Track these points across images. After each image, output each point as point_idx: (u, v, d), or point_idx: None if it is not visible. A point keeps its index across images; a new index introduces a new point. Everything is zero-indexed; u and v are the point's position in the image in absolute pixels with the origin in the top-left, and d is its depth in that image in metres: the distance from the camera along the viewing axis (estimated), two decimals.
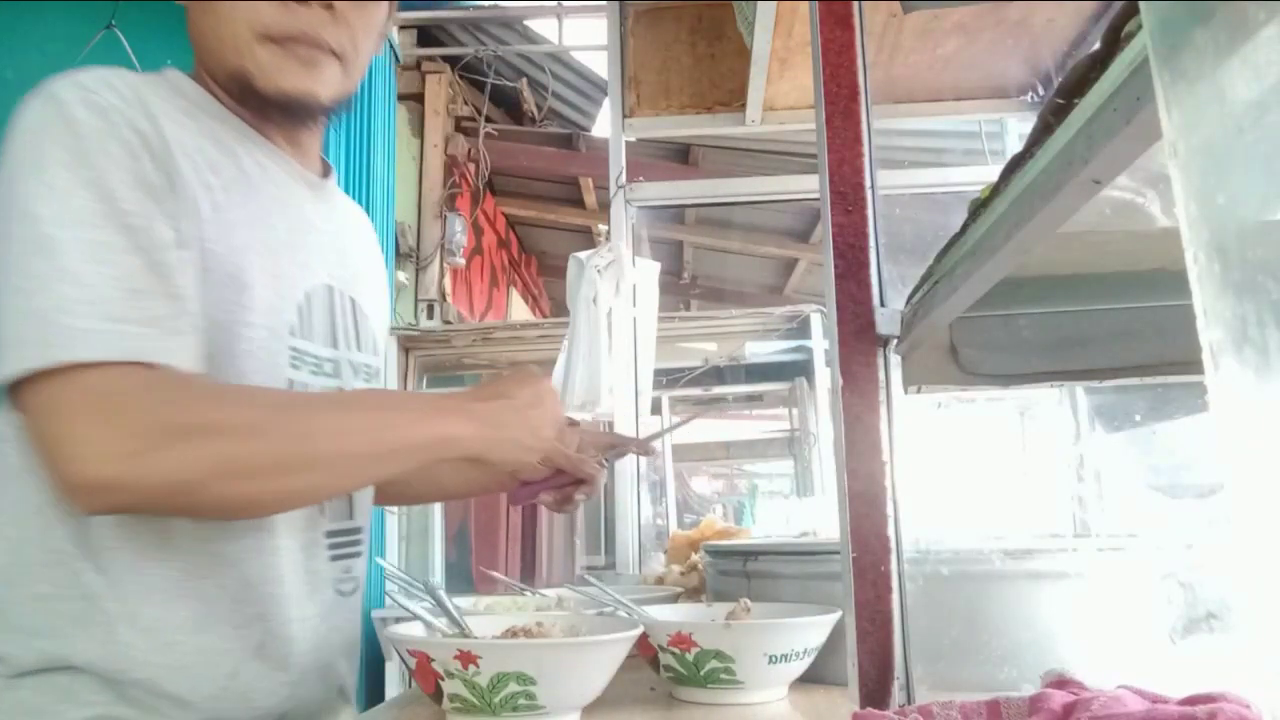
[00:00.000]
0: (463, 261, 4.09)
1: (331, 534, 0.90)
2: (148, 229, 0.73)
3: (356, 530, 0.94)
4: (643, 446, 1.19)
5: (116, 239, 0.71)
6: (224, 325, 0.79)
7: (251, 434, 0.72)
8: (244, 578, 0.80)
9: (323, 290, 0.90)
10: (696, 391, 3.65)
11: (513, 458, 0.87)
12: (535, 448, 0.88)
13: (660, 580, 1.52)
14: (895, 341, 0.71)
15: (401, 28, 4.03)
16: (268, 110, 0.87)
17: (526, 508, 4.26)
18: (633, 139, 2.67)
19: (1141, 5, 0.31)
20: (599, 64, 4.07)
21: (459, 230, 3.98)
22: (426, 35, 4.27)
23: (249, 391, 0.79)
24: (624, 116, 2.63)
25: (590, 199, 4.79)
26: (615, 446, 1.12)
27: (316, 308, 0.89)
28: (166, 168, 0.76)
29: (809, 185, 2.57)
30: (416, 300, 3.96)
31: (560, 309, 3.20)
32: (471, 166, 4.24)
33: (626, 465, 2.60)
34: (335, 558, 0.90)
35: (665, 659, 0.93)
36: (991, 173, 0.58)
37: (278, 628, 0.82)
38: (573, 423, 1.06)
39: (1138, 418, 1.07)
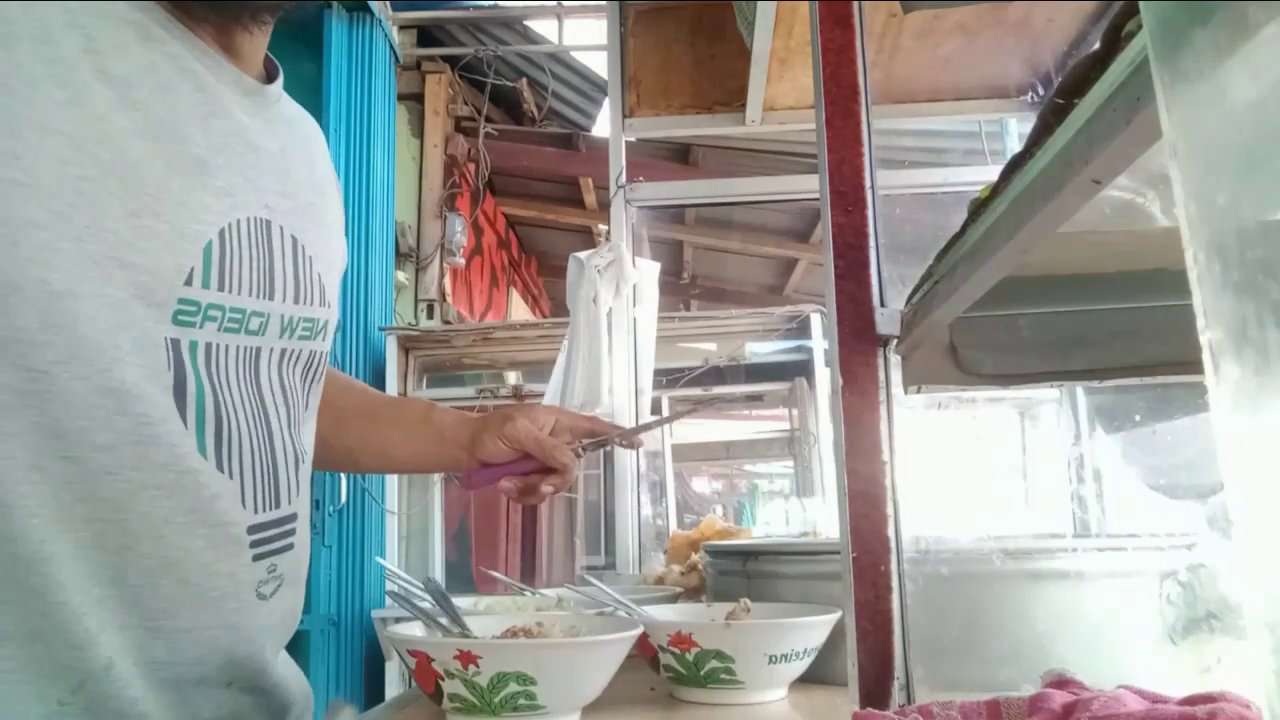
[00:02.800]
0: (462, 261, 4.09)
1: (256, 528, 0.74)
2: None
3: (289, 519, 0.78)
4: (627, 438, 1.03)
5: None
6: (95, 258, 0.60)
7: None
8: (78, 583, 0.63)
9: (253, 225, 0.72)
10: (696, 392, 3.65)
11: None
12: None
13: (660, 580, 1.52)
14: (895, 341, 0.71)
15: (401, 28, 4.03)
16: (188, 4, 0.69)
17: (526, 507, 4.25)
18: (633, 139, 2.67)
19: (1141, 5, 0.31)
20: (599, 64, 4.07)
21: (459, 230, 3.98)
22: (426, 35, 4.27)
23: None
24: (624, 116, 2.63)
25: (590, 199, 4.79)
26: (595, 435, 1.00)
27: (243, 247, 0.71)
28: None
29: (809, 185, 2.57)
30: (416, 300, 3.96)
31: (560, 309, 3.20)
32: (471, 166, 4.24)
33: (626, 465, 2.59)
34: (259, 556, 0.74)
35: (665, 659, 0.93)
36: (992, 173, 0.58)
37: (142, 639, 0.67)
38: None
39: (1137, 418, 1.07)
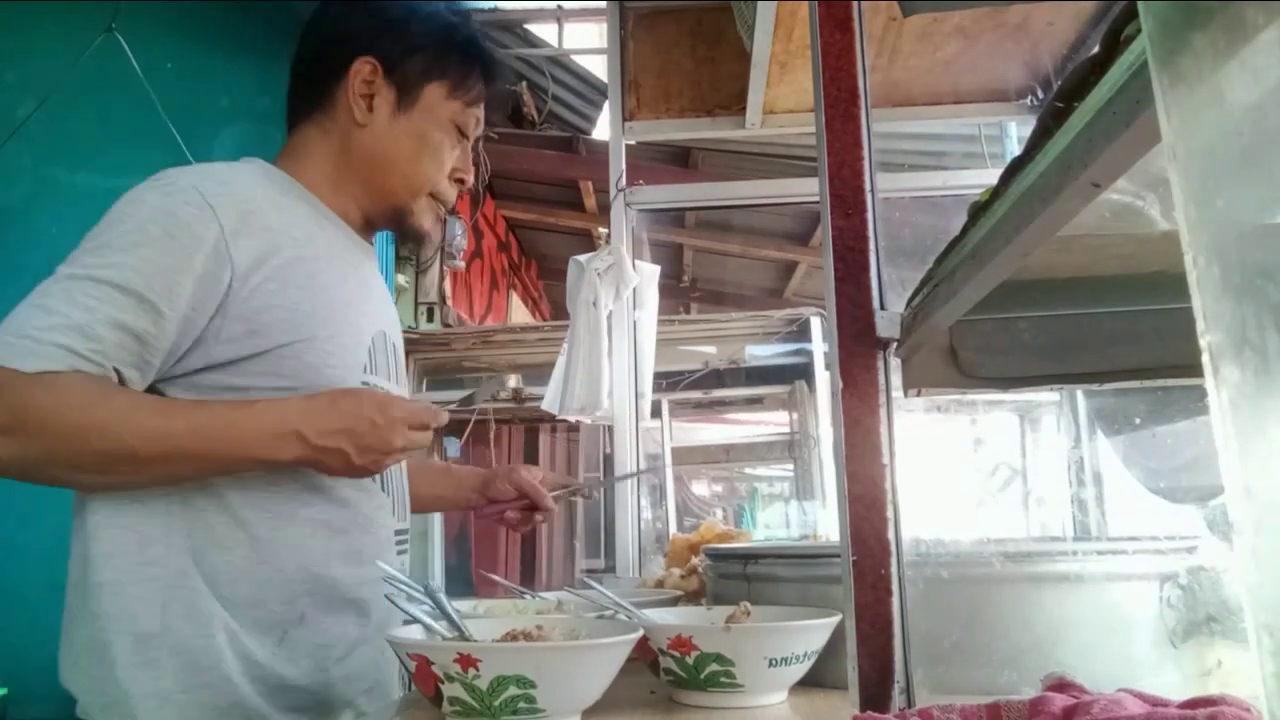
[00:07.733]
0: (462, 264, 4.08)
1: (399, 533, 1.16)
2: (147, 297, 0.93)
3: (407, 529, 1.19)
4: (589, 490, 1.61)
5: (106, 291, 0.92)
6: (313, 366, 1.03)
7: (77, 434, 0.88)
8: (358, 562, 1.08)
9: (380, 335, 1.16)
10: (697, 395, 3.65)
11: (344, 474, 1.02)
12: (368, 465, 1.00)
13: (660, 583, 1.51)
14: (895, 345, 0.71)
15: None
16: (388, 228, 1.21)
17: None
18: (633, 142, 2.67)
19: (1141, 8, 0.31)
20: (599, 67, 4.07)
21: (459, 233, 3.97)
22: None
23: (108, 395, 0.91)
24: (624, 120, 2.63)
25: (590, 202, 4.79)
26: (565, 487, 1.41)
27: (378, 349, 1.15)
28: (230, 255, 0.98)
29: (809, 188, 2.57)
30: (416, 303, 3.95)
31: (560, 312, 3.20)
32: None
33: (627, 468, 2.60)
34: (400, 553, 1.15)
35: (665, 662, 0.93)
36: (991, 176, 0.58)
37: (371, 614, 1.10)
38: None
39: (1138, 421, 1.07)
